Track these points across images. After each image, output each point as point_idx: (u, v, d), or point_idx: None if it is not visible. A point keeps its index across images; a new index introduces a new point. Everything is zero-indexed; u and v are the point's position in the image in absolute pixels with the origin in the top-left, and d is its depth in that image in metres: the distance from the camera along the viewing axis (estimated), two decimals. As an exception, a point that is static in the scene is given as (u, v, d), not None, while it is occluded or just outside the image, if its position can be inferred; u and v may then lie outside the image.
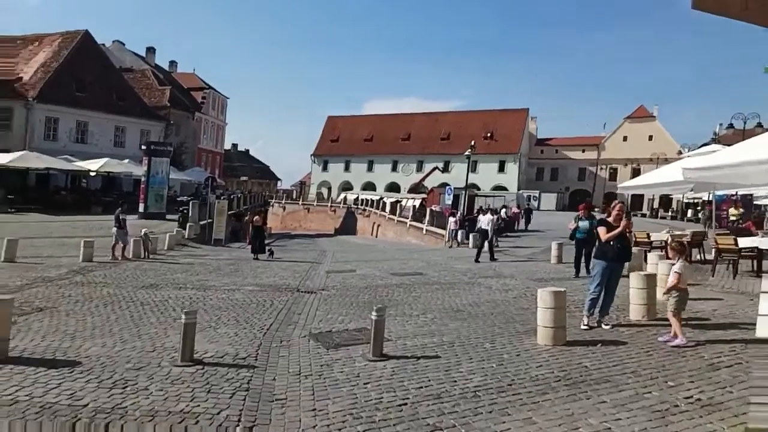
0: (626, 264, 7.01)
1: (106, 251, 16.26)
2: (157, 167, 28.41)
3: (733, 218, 25.31)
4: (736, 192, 27.19)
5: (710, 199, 33.07)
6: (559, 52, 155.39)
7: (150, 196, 28.31)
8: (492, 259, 15.92)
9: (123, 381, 4.69)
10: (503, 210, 30.46)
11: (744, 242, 10.87)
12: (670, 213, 58.44)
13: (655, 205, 63.66)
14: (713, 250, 11.67)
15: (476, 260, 15.84)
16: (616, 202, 7.07)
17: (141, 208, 28.38)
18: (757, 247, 10.60)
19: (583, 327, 6.62)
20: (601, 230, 6.78)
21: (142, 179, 28.83)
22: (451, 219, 24.37)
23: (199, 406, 4.18)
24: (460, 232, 23.23)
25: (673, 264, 6.11)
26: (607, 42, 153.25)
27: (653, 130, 72.63)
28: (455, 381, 4.75)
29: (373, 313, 5.49)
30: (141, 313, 7.73)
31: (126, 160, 36.44)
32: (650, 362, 5.16)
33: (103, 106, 42.35)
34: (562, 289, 5.88)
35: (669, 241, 13.74)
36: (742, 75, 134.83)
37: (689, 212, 47.18)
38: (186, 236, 22.46)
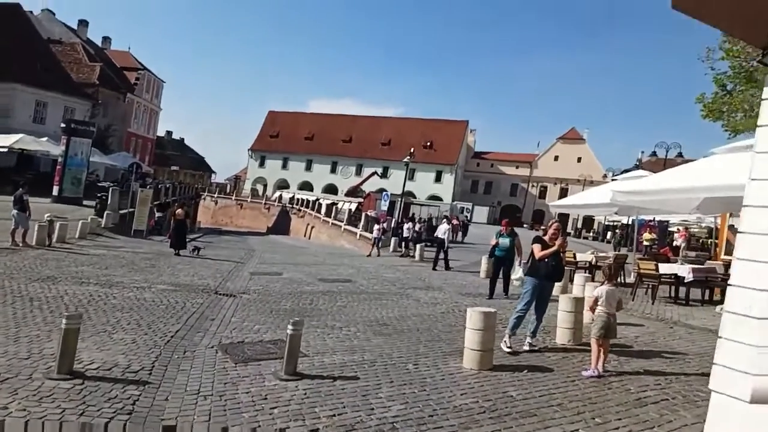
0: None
1: (5, 235, 14.76)
2: (77, 148, 26.40)
3: (646, 243, 26.28)
4: (653, 218, 28.74)
5: (628, 222, 34.83)
6: (503, 70, 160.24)
7: (66, 178, 26.24)
8: (447, 268, 16.64)
9: (-23, 397, 3.93)
10: (444, 221, 30.80)
11: (664, 268, 11.17)
12: (592, 234, 61.26)
13: (579, 225, 66.63)
14: (634, 274, 11.96)
15: (434, 268, 16.56)
16: (553, 221, 6.96)
17: (55, 191, 26.28)
18: (675, 274, 10.91)
19: (505, 349, 6.34)
20: (536, 247, 6.61)
21: (59, 160, 26.69)
22: (376, 226, 23.44)
23: (66, 432, 3.53)
24: (385, 239, 22.84)
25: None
26: (548, 64, 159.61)
27: (582, 153, 76.07)
28: (372, 409, 4.32)
29: (289, 327, 4.98)
30: (26, 311, 6.80)
31: (44, 138, 33.71)
32: (576, 394, 4.96)
33: (23, 77, 39.08)
34: (492, 310, 5.61)
35: (594, 263, 14.11)
36: (668, 104, 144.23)
37: (608, 234, 49.62)
38: (103, 225, 20.88)
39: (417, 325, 7.83)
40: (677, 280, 10.89)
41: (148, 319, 7.01)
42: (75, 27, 56.90)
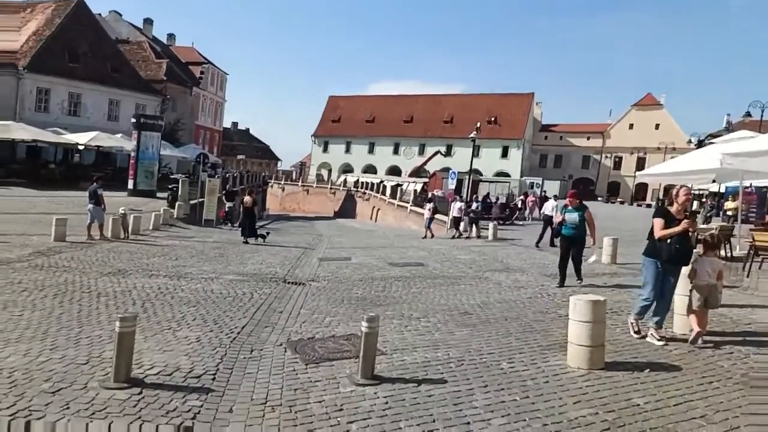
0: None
1: (84, 230, 15.14)
2: (148, 142, 27.09)
3: (729, 213, 23.49)
4: (750, 183, 25.88)
5: (718, 191, 31.79)
6: (567, 37, 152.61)
7: (140, 172, 27.05)
8: (552, 244, 15.25)
9: (26, 412, 3.54)
10: (520, 198, 29.42)
11: (786, 240, 9.68)
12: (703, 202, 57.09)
13: (660, 194, 62.49)
14: (749, 246, 10.50)
15: (536, 245, 15.93)
16: (681, 185, 5.79)
17: (130, 185, 27.18)
18: (800, 247, 9.41)
19: (633, 334, 5.71)
20: (657, 223, 5.50)
21: (131, 154, 27.54)
22: (455, 205, 21.95)
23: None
24: (463, 220, 20.72)
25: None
26: (616, 27, 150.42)
27: (660, 119, 71.14)
28: (468, 423, 3.59)
29: (363, 324, 4.32)
30: (92, 308, 6.57)
31: (119, 135, 35.07)
32: (721, 400, 4.00)
33: (96, 77, 40.88)
34: (602, 298, 4.69)
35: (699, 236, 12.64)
36: (746, 70, 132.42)
37: (695, 204, 46.04)
38: (175, 216, 21.31)
39: (503, 313, 7.00)
40: (802, 253, 9.38)
41: (214, 314, 6.60)
42: (141, 26, 58.90)
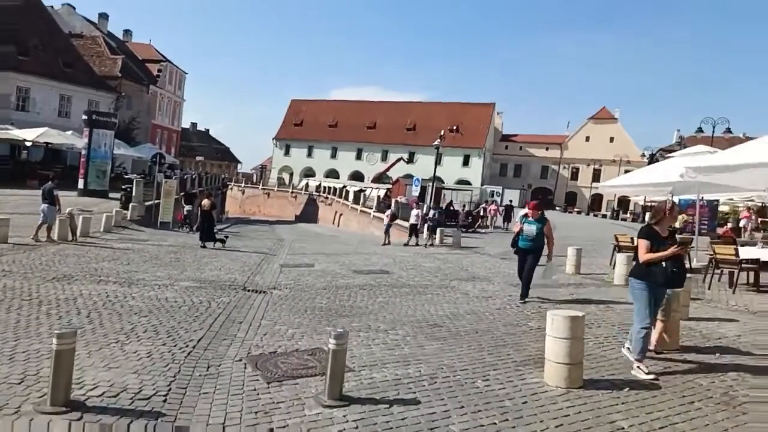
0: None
1: (29, 231, 14.22)
2: (100, 140, 25.91)
3: (678, 225, 23.02)
4: (701, 197, 26.73)
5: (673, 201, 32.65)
6: (526, 50, 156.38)
7: (91, 171, 25.82)
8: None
9: (-57, 444, 3.07)
10: (482, 206, 29.52)
11: (745, 252, 9.89)
12: (629, 215, 59.01)
13: (615, 205, 64.31)
14: (708, 258, 10.70)
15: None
16: (668, 200, 5.57)
17: (81, 185, 25.92)
18: (758, 259, 9.61)
19: (643, 377, 4.79)
20: (643, 245, 4.97)
21: (82, 153, 26.29)
22: (413, 212, 21.54)
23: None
24: (422, 229, 20.25)
25: None
26: (573, 43, 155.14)
27: (615, 132, 73.40)
28: (446, 450, 3.33)
29: (331, 341, 4.01)
30: (32, 317, 6.01)
31: (69, 132, 33.50)
32: (705, 422, 3.88)
33: (47, 72, 39.00)
34: (580, 314, 4.52)
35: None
36: (698, 81, 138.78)
37: (647, 215, 47.39)
38: (128, 217, 20.37)
39: (473, 325, 6.80)
40: (760, 265, 9.59)
41: (167, 325, 6.14)
42: (96, 20, 56.80)
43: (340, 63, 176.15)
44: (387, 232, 20.83)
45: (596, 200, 72.07)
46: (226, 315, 6.89)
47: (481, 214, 29.05)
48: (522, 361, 5.26)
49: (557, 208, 66.56)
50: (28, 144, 31.26)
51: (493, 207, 29.00)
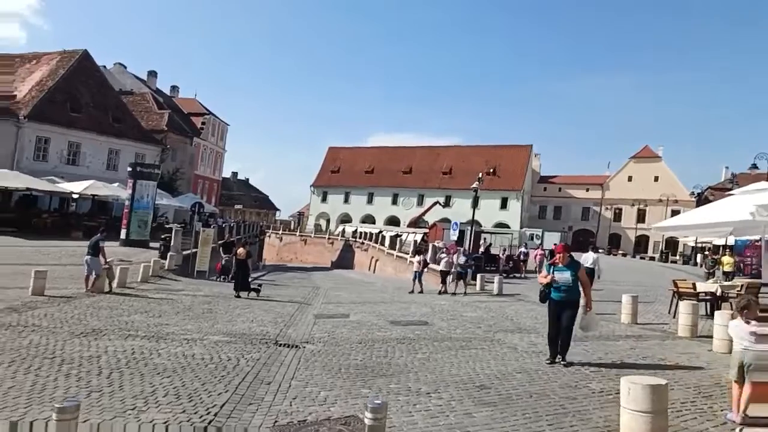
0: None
1: (68, 282, 14.29)
2: (143, 191, 26.52)
3: (726, 269, 21.23)
4: (760, 238, 24.96)
5: (725, 243, 30.76)
6: (563, 91, 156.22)
7: (133, 221, 26.32)
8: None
9: None
10: (521, 250, 28.48)
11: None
12: (679, 257, 56.39)
13: (662, 247, 61.72)
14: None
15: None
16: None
17: (123, 235, 26.39)
18: None
19: None
20: None
21: (126, 203, 26.90)
22: (415, 258, 20.20)
23: None
24: (451, 274, 18.62)
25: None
26: (613, 82, 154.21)
27: (659, 171, 71.37)
28: None
29: (368, 415, 3.45)
30: (50, 379, 5.65)
31: (116, 184, 34.59)
32: None
33: (97, 127, 40.89)
34: (662, 382, 3.84)
35: (720, 294, 11.79)
36: (739, 122, 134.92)
37: (698, 257, 44.98)
38: (166, 267, 20.44)
39: (526, 387, 6.08)
40: None
41: (190, 387, 5.68)
42: (145, 78, 59.77)
43: (377, 111, 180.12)
44: (418, 279, 19.18)
45: (641, 242, 69.54)
46: (255, 374, 6.39)
47: (522, 258, 28.06)
48: (589, 435, 4.53)
49: (600, 250, 64.41)
50: (75, 196, 32.32)
51: (539, 252, 27.65)
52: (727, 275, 18.92)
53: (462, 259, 18.84)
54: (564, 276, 7.15)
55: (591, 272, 16.51)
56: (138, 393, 5.34)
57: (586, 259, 17.10)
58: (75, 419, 3.25)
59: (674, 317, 11.96)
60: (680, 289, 12.31)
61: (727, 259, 22.42)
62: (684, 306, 10.13)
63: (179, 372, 6.29)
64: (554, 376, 6.52)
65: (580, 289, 7.22)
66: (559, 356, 7.24)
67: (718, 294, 11.77)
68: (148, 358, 6.88)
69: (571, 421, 4.87)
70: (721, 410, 5.12)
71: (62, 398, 5.03)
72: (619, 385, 6.08)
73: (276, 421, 4.72)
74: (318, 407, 5.19)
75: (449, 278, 18.64)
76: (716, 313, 8.56)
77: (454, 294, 17.72)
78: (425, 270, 19.93)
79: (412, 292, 18.71)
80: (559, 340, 7.23)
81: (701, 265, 35.93)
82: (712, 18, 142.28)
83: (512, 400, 5.54)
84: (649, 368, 7.11)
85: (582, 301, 7.24)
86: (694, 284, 12.50)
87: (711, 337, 9.05)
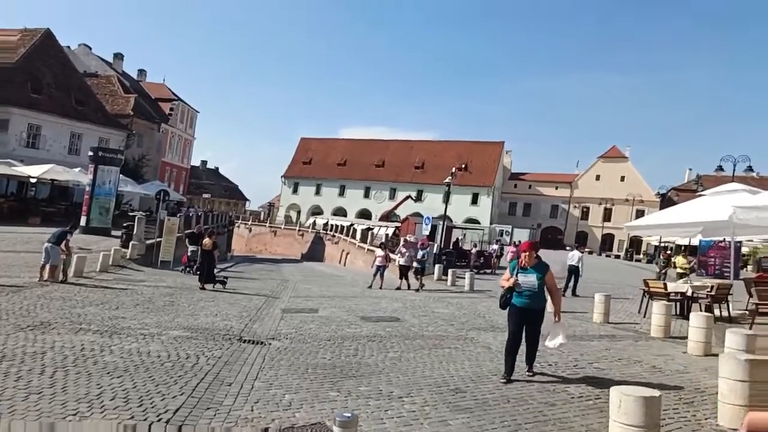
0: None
1: (21, 270, 13.52)
2: (105, 176, 25.43)
3: (680, 270, 20.14)
4: (724, 239, 25.30)
5: (687, 244, 31.17)
6: (535, 89, 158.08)
7: (94, 208, 25.25)
8: (574, 294, 16.31)
9: None
10: (495, 245, 28.38)
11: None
12: (643, 256, 57.54)
13: (626, 245, 62.95)
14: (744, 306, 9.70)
15: (563, 294, 15.56)
16: None
17: (83, 222, 25.27)
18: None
19: None
20: None
21: (86, 189, 25.79)
22: (378, 252, 19.31)
23: None
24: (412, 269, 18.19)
25: None
26: (584, 81, 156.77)
27: (625, 171, 72.81)
28: None
29: (336, 429, 3.09)
30: (-16, 379, 5.11)
31: (77, 169, 33.21)
32: None
33: (59, 109, 39.19)
34: (656, 393, 3.58)
35: (690, 294, 11.81)
36: (703, 124, 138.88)
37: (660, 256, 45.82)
38: (128, 256, 19.62)
39: (502, 390, 5.80)
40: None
41: (143, 389, 5.21)
42: (111, 60, 57.71)
43: (350, 103, 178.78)
44: (380, 274, 18.19)
45: (607, 240, 70.87)
46: (215, 374, 5.95)
47: (496, 254, 28.09)
48: (570, 444, 4.27)
49: (567, 247, 65.38)
50: (33, 180, 30.92)
51: (512, 249, 27.34)
52: (681, 276, 18.56)
53: (420, 254, 18.35)
54: (529, 280, 6.15)
55: (575, 270, 16.66)
56: (82, 396, 4.85)
57: (572, 257, 17.20)
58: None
59: (645, 317, 11.97)
60: (651, 289, 12.31)
61: (680, 260, 21.28)
62: (657, 306, 10.06)
63: (131, 371, 5.80)
64: (531, 380, 6.27)
65: (547, 295, 6.31)
66: (527, 369, 6.42)
67: (688, 294, 11.78)
68: (98, 356, 6.36)
69: (552, 429, 4.60)
70: (705, 419, 4.94)
71: (-6, 402, 4.52)
72: (598, 389, 5.96)
73: (232, 429, 4.32)
74: (282, 412, 4.80)
75: (410, 273, 18.16)
76: (691, 314, 8.45)
77: (417, 290, 17.16)
78: (387, 265, 19.07)
79: (371, 287, 17.78)
80: (527, 350, 6.38)
81: (656, 263, 35.49)
82: (683, 19, 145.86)
83: (489, 405, 5.25)
84: (627, 372, 6.95)
85: (550, 308, 6.39)
86: (665, 284, 12.54)
87: (684, 338, 9.00)
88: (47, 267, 12.69)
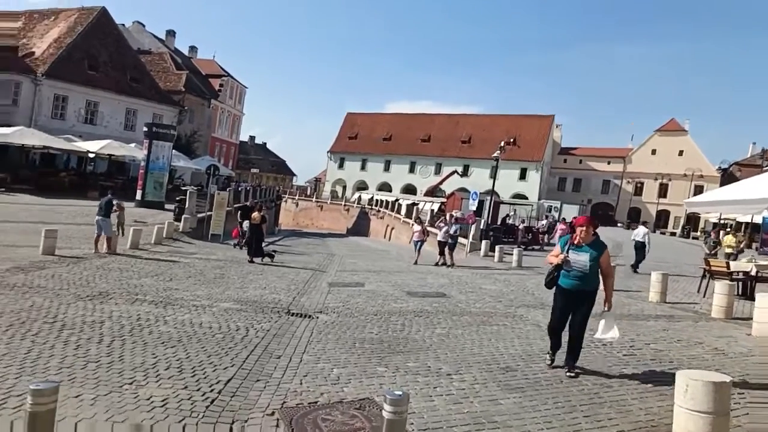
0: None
1: (80, 242, 14.10)
2: (159, 152, 26.18)
3: (728, 250, 18.44)
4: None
5: (750, 221, 29.29)
6: (587, 60, 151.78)
7: (149, 182, 26.11)
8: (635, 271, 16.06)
9: None
10: (545, 221, 27.69)
11: None
12: (700, 233, 55.02)
13: (683, 222, 60.34)
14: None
15: (635, 270, 15.93)
16: None
17: (138, 196, 26.24)
18: None
19: None
20: None
21: (141, 164, 26.66)
22: (416, 227, 18.91)
23: None
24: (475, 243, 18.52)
25: None
26: (640, 51, 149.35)
27: (684, 145, 69.21)
28: None
29: (386, 407, 3.02)
30: (47, 346, 5.33)
31: (132, 144, 34.36)
32: None
33: (115, 86, 40.49)
34: (726, 379, 3.34)
35: (756, 273, 11.16)
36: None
37: (720, 234, 43.60)
38: (180, 229, 20.23)
39: (554, 370, 5.63)
40: None
41: (195, 359, 5.32)
42: (163, 37, 58.93)
43: (397, 78, 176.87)
44: (418, 248, 18.14)
45: (662, 216, 68.09)
46: (264, 346, 6.03)
47: (546, 230, 27.44)
48: (631, 430, 4.06)
49: (619, 224, 63.28)
50: (92, 156, 32.20)
51: (562, 226, 26.49)
52: (729, 255, 17.20)
53: (453, 229, 17.77)
54: (581, 258, 5.42)
55: (642, 246, 16.36)
56: (138, 365, 4.99)
57: (637, 233, 16.88)
58: (53, 403, 2.85)
59: (704, 296, 11.42)
60: (713, 268, 11.69)
61: (728, 239, 19.41)
62: (719, 286, 9.53)
63: (185, 342, 5.94)
64: (585, 360, 6.04)
65: (600, 277, 5.52)
66: (566, 367, 5.59)
67: (753, 274, 11.13)
68: (153, 326, 6.55)
69: (609, 412, 4.41)
70: (777, 407, 4.63)
71: (57, 368, 4.71)
72: (657, 371, 5.69)
73: (284, 402, 4.34)
74: (330, 387, 4.80)
75: (446, 249, 17.51)
76: (757, 295, 7.94)
77: (448, 267, 16.70)
78: (425, 239, 18.79)
79: (416, 263, 17.49)
80: (569, 341, 5.59)
81: (705, 242, 32.86)
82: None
83: (541, 385, 5.09)
84: (688, 354, 6.61)
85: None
86: (727, 263, 11.87)
87: (748, 319, 8.52)
88: (102, 239, 13.18)
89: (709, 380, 3.23)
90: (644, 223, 19.14)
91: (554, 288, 5.72)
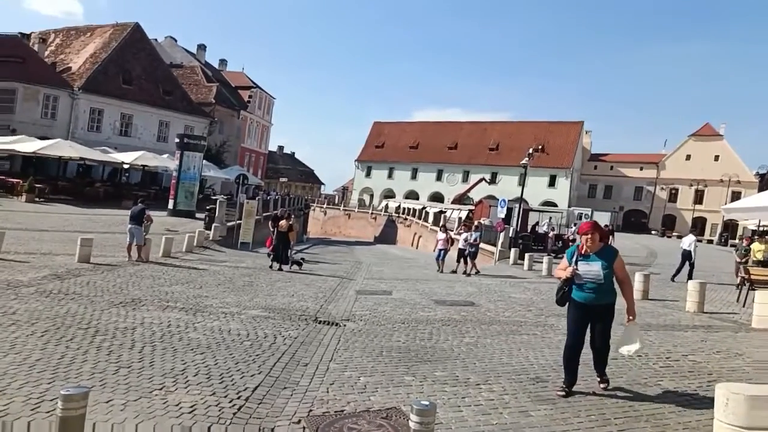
0: None
1: (115, 250, 14.44)
2: (190, 162, 26.76)
3: (757, 257, 16.63)
4: None
5: None
6: (617, 65, 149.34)
7: (180, 192, 26.68)
8: (690, 278, 15.31)
9: None
10: (574, 227, 27.23)
11: None
12: (739, 241, 53.22)
13: (720, 230, 58.50)
14: None
15: (672, 279, 15.68)
16: None
17: (170, 205, 26.83)
18: None
19: None
20: None
21: (173, 174, 27.25)
22: (441, 236, 18.78)
23: None
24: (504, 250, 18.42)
25: None
26: (671, 54, 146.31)
27: (720, 150, 67.17)
28: None
29: (414, 417, 2.96)
30: (80, 352, 5.44)
31: (165, 155, 35.22)
32: None
33: (148, 99, 41.72)
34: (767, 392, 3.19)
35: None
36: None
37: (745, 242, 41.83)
38: (210, 238, 20.57)
39: (587, 381, 5.45)
40: None
41: (223, 366, 5.36)
42: (194, 51, 60.36)
43: (423, 85, 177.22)
44: (442, 257, 18.08)
45: (698, 224, 66.15)
46: (291, 354, 6.03)
47: (573, 238, 26.95)
48: (667, 446, 3.91)
49: (653, 232, 61.73)
50: (126, 166, 33.08)
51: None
52: (760, 263, 16.12)
53: (473, 237, 17.63)
54: (592, 269, 4.95)
55: (688, 255, 15.64)
56: (168, 371, 5.05)
57: (684, 242, 16.14)
58: (83, 408, 2.89)
59: (744, 306, 11.01)
60: (753, 276, 11.28)
61: (757, 246, 17.24)
62: (759, 295, 9.17)
63: (213, 349, 5.99)
64: (617, 369, 5.87)
65: (616, 287, 5.04)
66: (598, 378, 5.27)
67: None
68: (183, 332, 6.63)
69: (645, 426, 4.25)
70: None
71: (90, 373, 4.79)
72: (695, 383, 5.48)
73: (311, 410, 4.32)
74: (357, 395, 4.76)
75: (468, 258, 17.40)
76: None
77: (467, 275, 16.59)
78: (449, 248, 18.73)
79: (441, 271, 17.52)
80: (594, 356, 5.21)
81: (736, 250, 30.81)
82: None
83: (573, 397, 4.95)
84: (727, 366, 6.36)
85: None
86: (769, 272, 11.43)
87: (792, 331, 8.17)
88: (134, 247, 13.46)
89: (750, 393, 3.08)
90: (692, 231, 18.40)
91: (566, 304, 5.23)
